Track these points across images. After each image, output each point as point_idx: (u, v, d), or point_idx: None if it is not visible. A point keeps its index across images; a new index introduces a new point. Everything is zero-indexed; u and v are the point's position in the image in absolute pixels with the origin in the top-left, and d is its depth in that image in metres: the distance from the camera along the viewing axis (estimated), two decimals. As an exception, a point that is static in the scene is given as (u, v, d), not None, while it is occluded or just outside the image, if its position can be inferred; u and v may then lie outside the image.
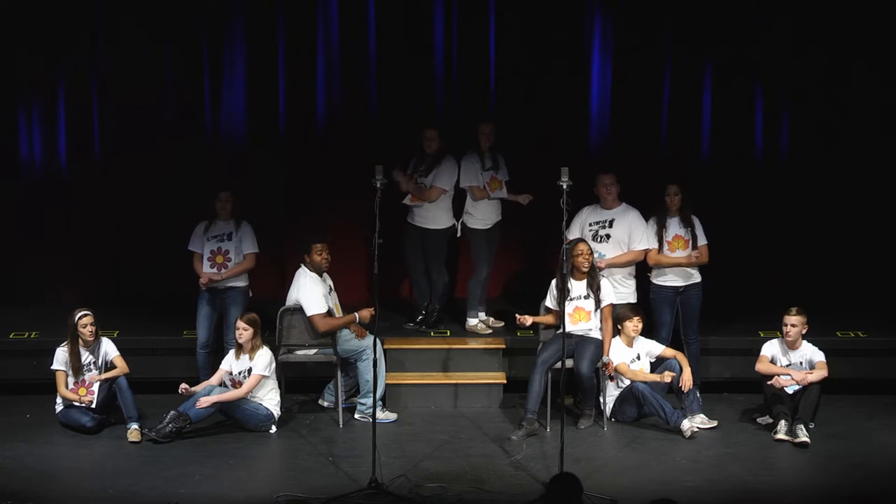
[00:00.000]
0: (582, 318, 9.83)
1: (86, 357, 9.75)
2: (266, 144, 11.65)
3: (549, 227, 9.67)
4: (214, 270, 10.22)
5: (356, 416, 9.98)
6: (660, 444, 9.52)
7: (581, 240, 9.95)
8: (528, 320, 9.87)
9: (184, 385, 9.66)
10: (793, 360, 9.86)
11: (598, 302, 9.84)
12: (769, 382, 9.74)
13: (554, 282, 9.93)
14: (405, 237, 10.79)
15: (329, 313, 9.94)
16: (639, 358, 10.00)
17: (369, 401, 9.58)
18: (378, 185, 8.71)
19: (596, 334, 9.87)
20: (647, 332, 10.13)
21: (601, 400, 9.93)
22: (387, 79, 11.53)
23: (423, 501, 8.39)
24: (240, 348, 9.77)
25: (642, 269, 10.38)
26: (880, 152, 11.55)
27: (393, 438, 9.60)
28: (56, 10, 11.29)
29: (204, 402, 9.56)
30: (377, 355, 9.09)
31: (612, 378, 9.92)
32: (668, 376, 9.76)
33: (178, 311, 10.79)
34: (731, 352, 10.63)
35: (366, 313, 9.92)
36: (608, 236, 10.23)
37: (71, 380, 9.72)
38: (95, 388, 9.67)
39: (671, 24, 11.44)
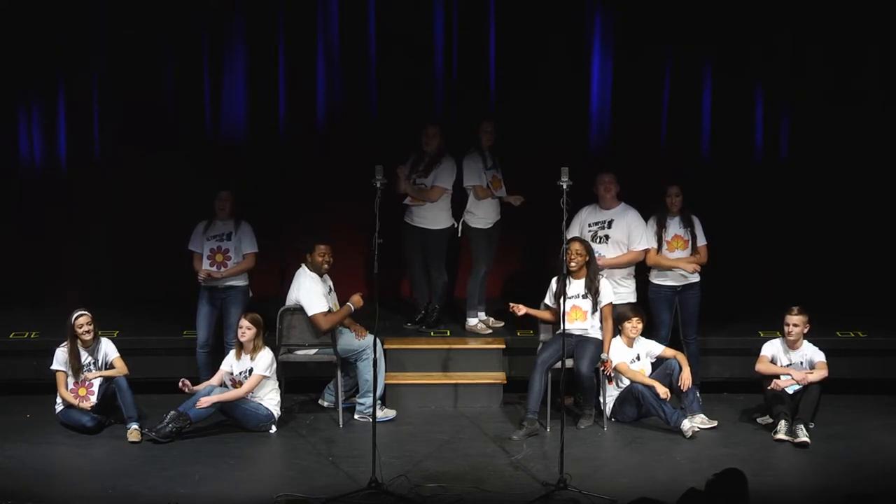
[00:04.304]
0: (578, 317, 9.82)
1: (85, 358, 9.74)
2: (266, 144, 11.65)
3: (549, 227, 9.66)
4: (215, 269, 10.22)
5: (355, 416, 9.97)
6: (660, 444, 9.52)
7: (575, 239, 9.94)
8: (522, 310, 9.85)
9: (184, 380, 9.66)
10: (793, 359, 9.86)
11: (595, 302, 9.83)
12: (770, 387, 9.74)
13: (554, 280, 9.94)
14: (405, 237, 10.78)
15: (329, 313, 9.95)
16: (639, 358, 9.99)
17: (368, 400, 9.58)
18: (378, 185, 8.70)
19: (594, 334, 9.86)
20: (647, 332, 10.13)
21: (601, 400, 9.93)
22: (387, 79, 11.53)
23: (423, 501, 8.39)
24: (240, 348, 9.77)
25: (642, 268, 10.38)
26: (880, 152, 11.54)
27: (393, 438, 9.59)
28: (56, 10, 11.28)
29: (204, 401, 9.56)
30: (377, 355, 9.09)
31: (610, 379, 9.92)
32: (664, 393, 9.73)
33: (178, 311, 10.79)
34: (731, 352, 10.63)
35: (356, 298, 9.94)
36: (607, 237, 10.22)
37: (71, 380, 9.72)
38: (95, 387, 9.67)
39: (671, 24, 11.43)
